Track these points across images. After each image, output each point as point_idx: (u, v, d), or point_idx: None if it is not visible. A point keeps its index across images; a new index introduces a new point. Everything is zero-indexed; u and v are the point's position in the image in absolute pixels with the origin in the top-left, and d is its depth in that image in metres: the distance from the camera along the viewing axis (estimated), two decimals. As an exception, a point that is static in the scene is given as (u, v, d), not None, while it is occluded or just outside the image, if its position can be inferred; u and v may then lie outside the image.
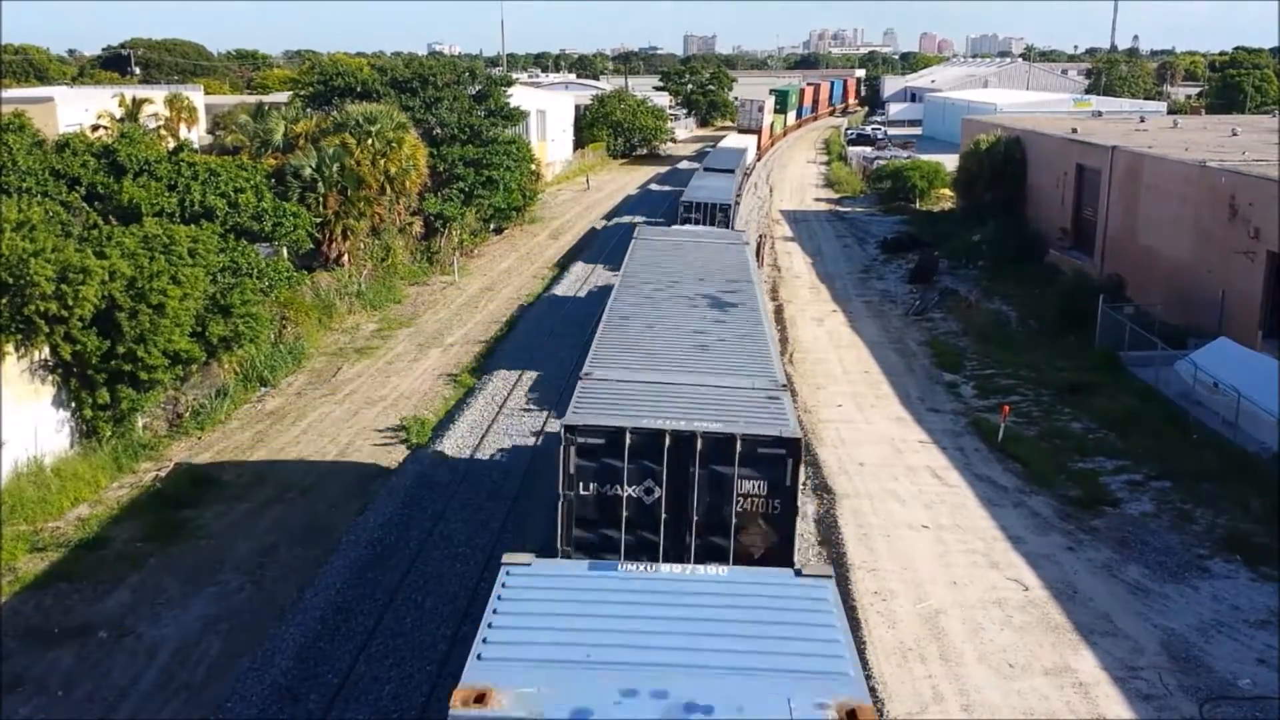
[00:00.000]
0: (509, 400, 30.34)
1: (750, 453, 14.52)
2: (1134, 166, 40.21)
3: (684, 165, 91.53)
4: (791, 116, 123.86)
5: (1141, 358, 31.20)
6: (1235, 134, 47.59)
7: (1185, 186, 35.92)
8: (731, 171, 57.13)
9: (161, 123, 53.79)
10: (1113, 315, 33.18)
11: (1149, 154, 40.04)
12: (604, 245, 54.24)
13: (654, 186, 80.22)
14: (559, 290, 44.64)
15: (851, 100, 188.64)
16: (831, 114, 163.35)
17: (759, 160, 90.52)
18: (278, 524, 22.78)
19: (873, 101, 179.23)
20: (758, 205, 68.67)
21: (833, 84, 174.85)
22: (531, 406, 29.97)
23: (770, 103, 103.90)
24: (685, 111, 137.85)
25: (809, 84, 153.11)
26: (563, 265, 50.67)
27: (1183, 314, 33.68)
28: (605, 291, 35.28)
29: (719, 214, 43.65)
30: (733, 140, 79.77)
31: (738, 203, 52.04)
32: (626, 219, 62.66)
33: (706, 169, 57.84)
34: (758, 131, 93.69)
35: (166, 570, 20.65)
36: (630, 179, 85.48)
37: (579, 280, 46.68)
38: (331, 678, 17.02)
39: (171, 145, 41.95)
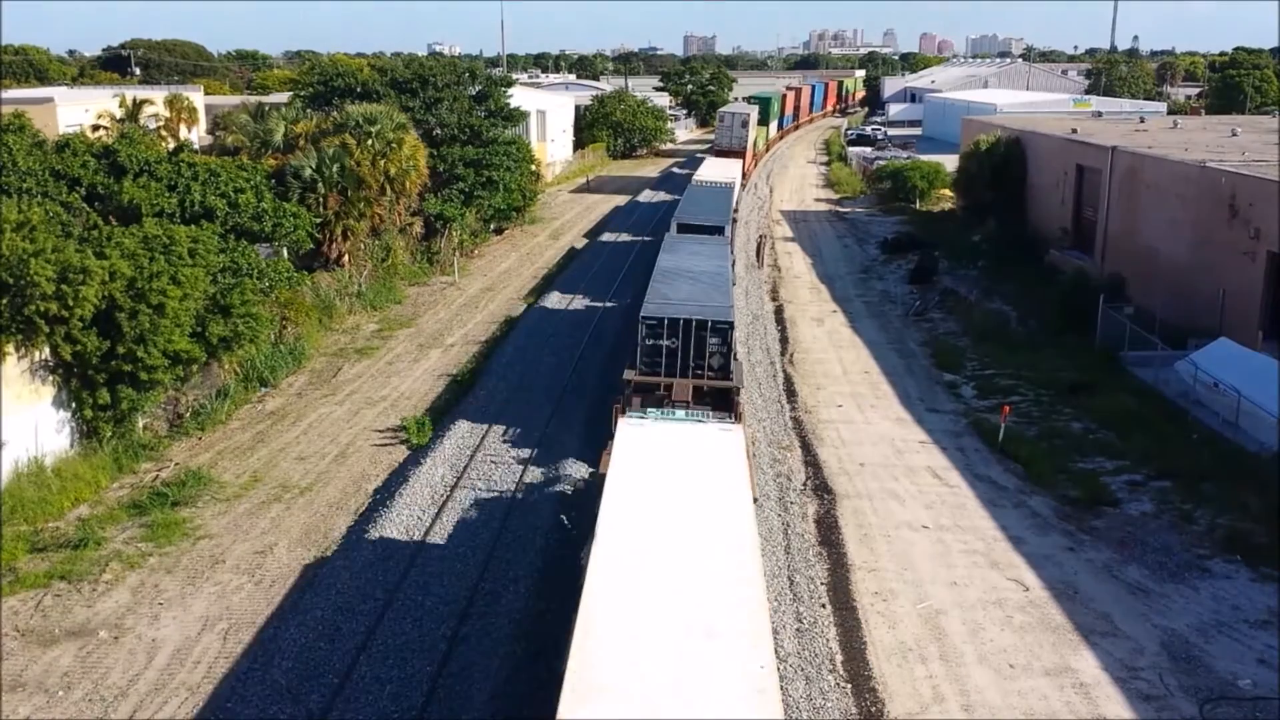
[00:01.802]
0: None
1: None
2: (1134, 167, 40.21)
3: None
4: (773, 128, 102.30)
5: (1141, 358, 31.22)
6: (1235, 134, 47.59)
7: (1185, 187, 35.92)
8: (719, 231, 37.53)
9: (161, 123, 53.89)
10: (1113, 315, 33.18)
11: (1149, 154, 40.05)
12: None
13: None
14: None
15: (833, 105, 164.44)
16: (811, 122, 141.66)
17: (744, 190, 67.58)
18: (277, 524, 22.79)
19: (873, 102, 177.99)
20: (757, 205, 68.67)
21: (814, 87, 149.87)
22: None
23: (754, 115, 79.67)
24: (685, 112, 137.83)
25: (789, 88, 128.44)
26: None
27: (1183, 314, 33.67)
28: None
29: (713, 341, 23.03)
30: (712, 169, 57.30)
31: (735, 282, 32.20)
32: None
33: (682, 227, 37.87)
34: (741, 153, 70.96)
35: (166, 570, 20.65)
36: (625, 182, 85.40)
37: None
38: (332, 678, 17.02)
39: (171, 146, 42.00)
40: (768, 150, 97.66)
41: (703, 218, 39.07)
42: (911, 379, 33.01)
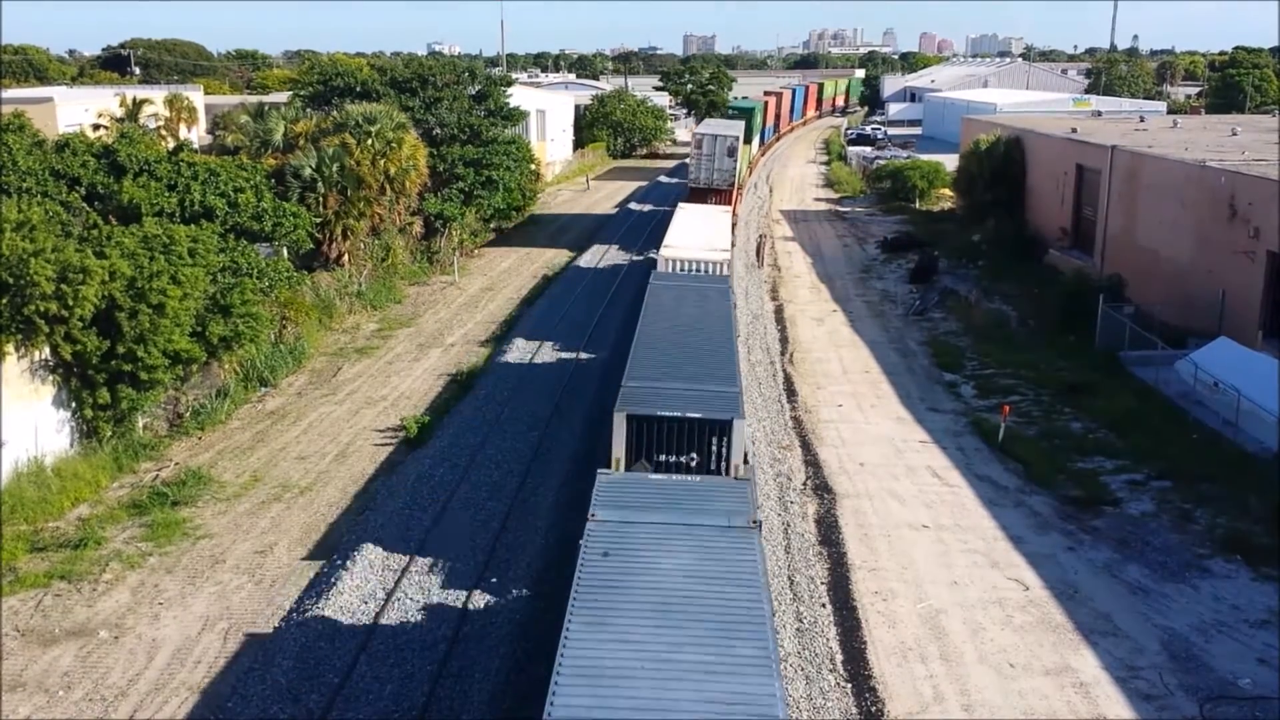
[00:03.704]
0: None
1: None
2: (1134, 166, 40.20)
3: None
4: (755, 146, 79.37)
5: (1141, 358, 31.20)
6: (1235, 134, 47.58)
7: (1185, 186, 35.91)
8: (722, 431, 18.89)
9: (161, 123, 53.94)
10: (1113, 315, 33.18)
11: (1149, 154, 40.04)
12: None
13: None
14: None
15: (811, 112, 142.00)
16: (793, 131, 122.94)
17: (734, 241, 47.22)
18: (277, 524, 22.78)
19: (872, 101, 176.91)
20: (757, 205, 68.63)
21: (794, 92, 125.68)
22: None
23: (742, 133, 55.56)
24: (685, 111, 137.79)
25: (768, 93, 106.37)
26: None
27: (1183, 314, 33.66)
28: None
29: None
30: (688, 234, 37.73)
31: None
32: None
33: (637, 422, 18.93)
34: (729, 194, 50.74)
35: (166, 570, 20.65)
36: (625, 184, 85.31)
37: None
38: (333, 678, 17.03)
39: (171, 145, 41.99)
40: (750, 172, 75.34)
41: (689, 398, 19.59)
42: (911, 378, 33.01)
